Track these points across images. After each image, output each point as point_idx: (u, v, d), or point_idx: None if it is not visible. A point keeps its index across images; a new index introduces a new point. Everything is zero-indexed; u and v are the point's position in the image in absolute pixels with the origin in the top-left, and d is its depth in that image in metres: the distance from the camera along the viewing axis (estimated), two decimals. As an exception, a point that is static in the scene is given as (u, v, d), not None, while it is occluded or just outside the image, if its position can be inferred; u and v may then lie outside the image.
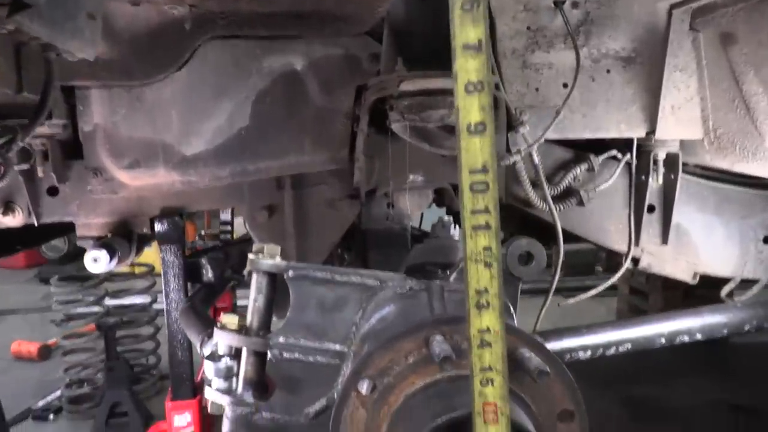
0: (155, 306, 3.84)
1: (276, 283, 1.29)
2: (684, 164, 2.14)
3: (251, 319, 1.27)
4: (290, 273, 1.23)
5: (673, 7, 1.85)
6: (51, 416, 3.81)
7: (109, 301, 3.84)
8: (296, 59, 1.92)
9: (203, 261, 2.16)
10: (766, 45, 1.76)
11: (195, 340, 1.60)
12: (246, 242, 2.25)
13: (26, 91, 1.57)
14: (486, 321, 0.81)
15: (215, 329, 1.28)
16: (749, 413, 3.43)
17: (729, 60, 1.84)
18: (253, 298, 1.27)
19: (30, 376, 4.39)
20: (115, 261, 1.92)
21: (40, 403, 3.92)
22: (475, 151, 0.85)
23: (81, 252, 1.96)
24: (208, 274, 2.17)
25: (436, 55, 1.88)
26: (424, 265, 1.47)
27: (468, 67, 0.85)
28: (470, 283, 0.82)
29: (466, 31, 0.84)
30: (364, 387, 0.97)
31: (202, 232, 4.14)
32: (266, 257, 1.27)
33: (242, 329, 1.27)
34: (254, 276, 1.28)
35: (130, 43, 1.79)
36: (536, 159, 1.98)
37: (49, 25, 1.12)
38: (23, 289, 7.20)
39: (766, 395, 2.04)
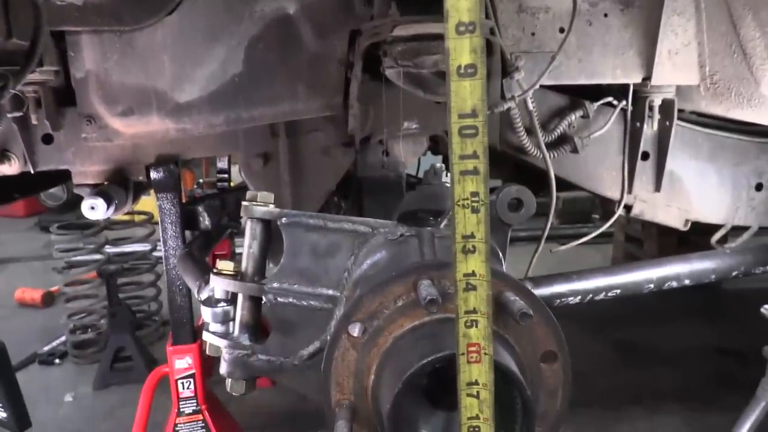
0: (155, 254, 3.88)
1: (270, 230, 1.31)
2: (679, 110, 2.13)
3: (246, 264, 1.30)
4: (283, 220, 1.25)
5: (673, -53, 1.81)
6: (56, 361, 3.90)
7: (110, 249, 3.88)
8: (289, 3, 1.88)
9: (200, 209, 2.18)
10: (765, -12, 1.73)
11: (192, 285, 1.63)
12: (242, 190, 2.26)
13: (15, 38, 1.56)
14: (472, 265, 0.83)
15: (211, 275, 1.31)
16: (736, 357, 3.53)
17: (727, 3, 1.81)
18: (247, 244, 1.29)
19: (34, 322, 4.47)
20: (112, 209, 1.94)
21: (46, 348, 4.01)
22: (465, 95, 0.85)
23: (80, 200, 1.97)
24: (205, 221, 2.19)
25: (431, -1, 1.85)
26: (417, 212, 1.48)
27: (459, 6, 0.84)
28: (457, 228, 0.84)
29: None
30: (355, 330, 1.01)
31: (201, 181, 4.15)
32: (260, 204, 1.29)
33: (238, 275, 1.30)
34: (248, 223, 1.30)
35: (120, -12, 1.75)
36: (531, 105, 1.98)
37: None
38: (24, 237, 7.25)
39: (753, 340, 2.11)
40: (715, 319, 4.32)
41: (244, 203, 1.29)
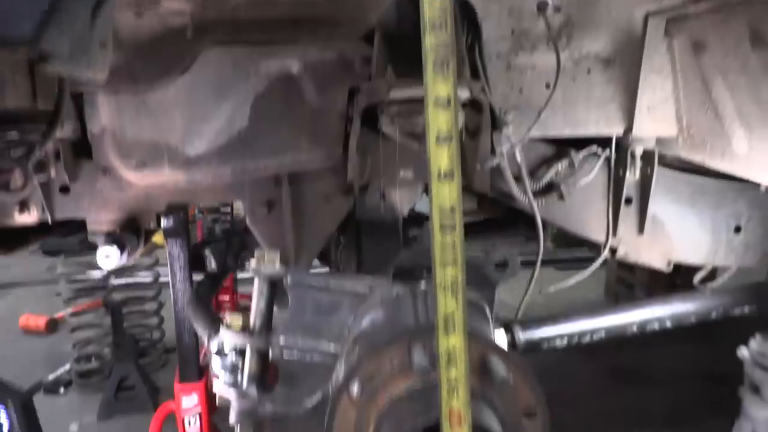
0: (160, 280, 3.98)
1: (276, 286, 1.43)
2: (661, 156, 2.26)
3: (254, 319, 1.41)
4: (289, 281, 1.37)
5: (649, 14, 1.94)
6: (62, 389, 3.99)
7: (115, 280, 4.00)
8: (292, 62, 2.02)
9: (207, 252, 2.30)
10: (732, 54, 1.86)
11: (202, 334, 1.74)
12: (247, 234, 2.37)
13: (40, 104, 1.69)
14: (452, 341, 0.94)
15: (222, 329, 1.43)
16: (727, 382, 3.64)
17: (700, 66, 1.94)
18: (255, 301, 1.41)
19: (39, 349, 4.56)
20: (125, 255, 2.06)
21: (51, 377, 4.10)
22: (444, 196, 0.97)
23: (83, 224, 2.10)
24: (212, 264, 2.30)
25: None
26: (413, 269, 1.60)
27: (439, 120, 0.96)
28: (439, 310, 0.95)
29: (438, 87, 0.95)
30: (354, 390, 1.12)
31: (201, 204, 4.28)
32: (267, 264, 1.41)
33: (246, 329, 1.41)
34: (256, 281, 1.42)
35: (135, 51, 1.88)
36: (519, 158, 2.10)
37: (69, 64, 1.23)
38: (27, 261, 7.34)
39: (741, 365, 2.23)
40: (707, 343, 4.42)
41: (252, 263, 1.41)
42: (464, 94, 1.87)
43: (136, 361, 3.71)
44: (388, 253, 2.18)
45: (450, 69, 0.95)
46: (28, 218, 2.07)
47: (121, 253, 2.02)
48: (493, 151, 2.09)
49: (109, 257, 1.99)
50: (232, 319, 1.43)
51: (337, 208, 2.21)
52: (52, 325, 4.85)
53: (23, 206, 2.06)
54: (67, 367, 4.16)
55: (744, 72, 1.91)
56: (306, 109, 2.05)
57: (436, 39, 0.93)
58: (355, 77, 2.03)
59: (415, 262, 1.63)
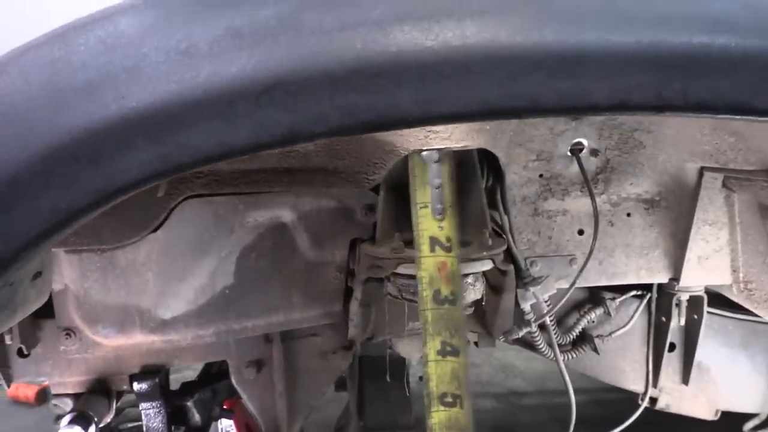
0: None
1: None
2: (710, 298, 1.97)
3: None
4: None
5: (704, 169, 1.65)
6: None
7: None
8: (284, 212, 1.73)
9: (189, 404, 2.03)
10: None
11: None
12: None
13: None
14: None
15: None
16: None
17: (766, 227, 1.65)
18: None
19: (27, 424, 4.32)
20: (93, 428, 1.79)
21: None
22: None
23: None
24: (195, 417, 2.03)
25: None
26: None
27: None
28: None
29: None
30: None
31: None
32: None
33: None
34: None
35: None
36: (548, 320, 1.81)
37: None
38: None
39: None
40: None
41: None
42: (486, 266, 1.58)
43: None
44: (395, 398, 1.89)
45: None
46: (-20, 386, 1.81)
47: (86, 429, 1.75)
48: (517, 304, 1.81)
49: (72, 437, 1.72)
50: None
51: (335, 365, 1.93)
52: (42, 396, 4.59)
53: (-25, 374, 1.79)
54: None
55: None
56: (300, 262, 1.77)
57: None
58: (357, 227, 1.75)
59: None
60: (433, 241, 1.06)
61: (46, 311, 1.78)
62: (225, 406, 2.34)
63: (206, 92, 0.56)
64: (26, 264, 0.78)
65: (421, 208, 1.08)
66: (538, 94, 0.58)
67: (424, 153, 1.19)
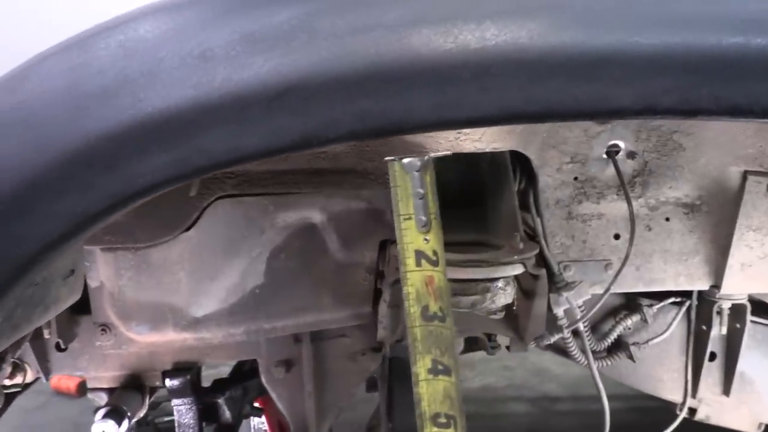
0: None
1: None
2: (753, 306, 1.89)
3: None
4: None
5: (747, 173, 1.58)
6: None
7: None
8: (314, 213, 1.74)
9: (220, 401, 2.05)
10: None
11: None
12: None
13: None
14: None
15: None
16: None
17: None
18: None
19: (68, 415, 4.45)
20: (125, 424, 1.83)
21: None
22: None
23: None
24: (225, 414, 2.06)
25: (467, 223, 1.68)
26: None
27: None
28: None
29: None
30: None
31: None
32: None
33: None
34: None
35: (134, 208, 1.63)
36: (582, 326, 1.77)
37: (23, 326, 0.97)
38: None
39: None
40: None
41: None
42: (517, 270, 1.55)
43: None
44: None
45: None
46: (20, 379, 1.87)
47: (120, 424, 1.79)
48: (549, 309, 1.78)
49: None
50: None
51: (364, 367, 1.92)
52: (83, 388, 4.73)
53: (16, 367, 1.85)
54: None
55: None
56: (329, 263, 1.77)
57: None
58: (386, 228, 1.74)
59: None
60: (419, 255, 1.01)
61: (83, 307, 1.83)
62: (256, 404, 2.36)
63: (221, 97, 0.56)
64: (50, 265, 0.79)
65: (404, 219, 1.03)
66: (560, 98, 0.56)
67: (405, 161, 1.07)
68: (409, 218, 1.01)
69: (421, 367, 0.86)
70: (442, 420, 0.83)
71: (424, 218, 1.02)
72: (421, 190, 1.03)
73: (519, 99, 0.57)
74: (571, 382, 4.29)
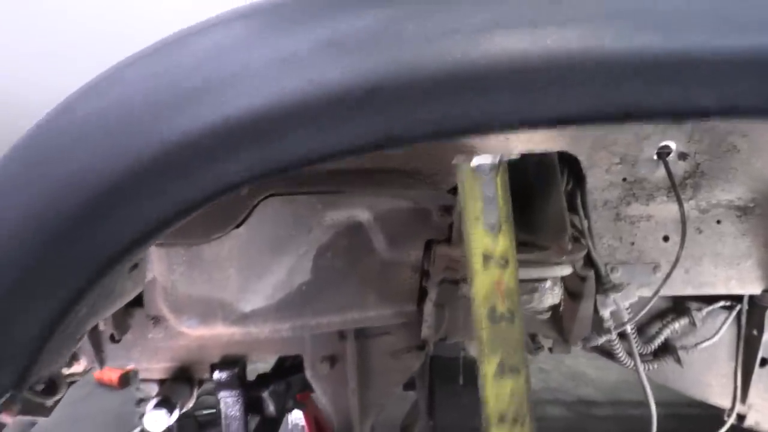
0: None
1: None
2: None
3: None
4: None
5: (806, 175, 1.55)
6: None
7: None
8: (361, 212, 1.76)
9: (265, 395, 2.09)
10: None
11: None
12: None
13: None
14: None
15: None
16: None
17: None
18: None
19: (110, 406, 4.56)
20: (176, 412, 1.87)
21: (120, 450, 4.08)
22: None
23: None
24: (270, 407, 2.09)
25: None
26: None
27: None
28: None
29: None
30: None
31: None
32: None
33: None
34: None
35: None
36: (629, 328, 1.76)
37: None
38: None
39: None
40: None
41: None
42: (565, 271, 1.55)
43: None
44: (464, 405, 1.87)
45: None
46: (76, 368, 1.93)
47: (171, 413, 1.83)
48: (596, 311, 1.77)
49: (158, 421, 1.81)
50: None
51: (407, 365, 1.94)
52: (125, 380, 4.85)
53: (72, 357, 1.91)
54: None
55: None
56: (375, 262, 1.78)
57: None
58: (433, 228, 1.75)
59: None
60: (487, 258, 0.99)
61: (137, 300, 1.88)
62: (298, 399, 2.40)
63: (305, 99, 0.58)
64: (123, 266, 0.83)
65: (472, 222, 1.02)
66: (642, 100, 0.56)
67: (476, 163, 1.06)
68: (478, 220, 1.00)
69: (487, 369, 0.86)
70: (509, 421, 0.83)
71: (493, 221, 1.00)
72: (491, 192, 1.01)
73: (602, 100, 0.58)
74: (609, 386, 4.23)
